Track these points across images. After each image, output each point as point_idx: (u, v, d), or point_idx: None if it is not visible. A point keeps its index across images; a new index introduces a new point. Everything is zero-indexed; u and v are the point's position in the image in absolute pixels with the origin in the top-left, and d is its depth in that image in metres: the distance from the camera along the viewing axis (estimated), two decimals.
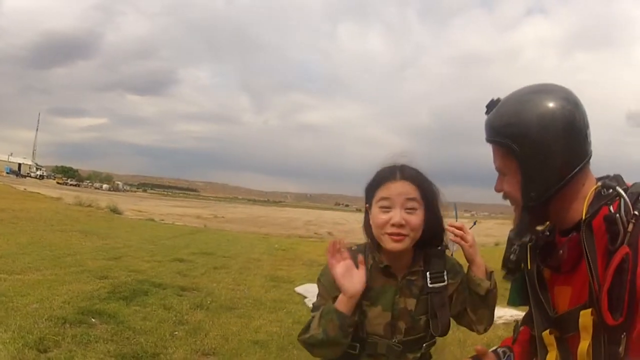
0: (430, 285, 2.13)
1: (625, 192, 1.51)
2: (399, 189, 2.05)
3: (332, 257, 2.02)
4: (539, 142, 1.58)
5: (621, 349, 1.42)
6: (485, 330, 2.20)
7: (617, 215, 1.46)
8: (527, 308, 1.85)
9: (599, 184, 1.58)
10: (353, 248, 2.18)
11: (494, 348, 2.03)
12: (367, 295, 2.08)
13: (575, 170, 1.59)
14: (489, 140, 1.73)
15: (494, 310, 2.18)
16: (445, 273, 2.16)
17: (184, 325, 7.06)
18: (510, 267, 1.70)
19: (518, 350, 1.98)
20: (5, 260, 10.44)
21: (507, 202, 1.77)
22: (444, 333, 2.15)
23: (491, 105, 1.74)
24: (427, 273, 2.14)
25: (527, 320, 1.85)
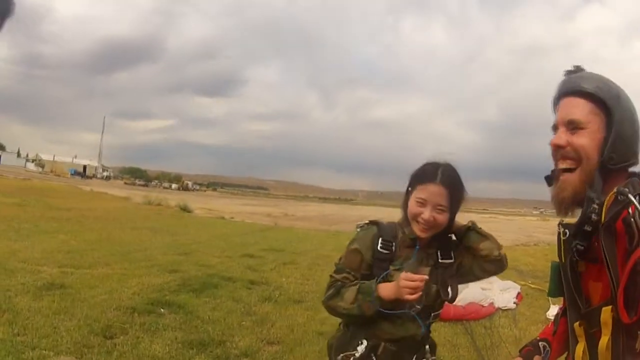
0: (440, 261, 2.61)
1: None
2: (435, 191, 2.49)
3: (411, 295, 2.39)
4: (631, 117, 1.70)
5: (637, 344, 1.52)
6: (501, 255, 2.61)
7: (632, 219, 1.54)
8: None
9: (615, 190, 1.60)
10: (386, 222, 2.66)
11: (533, 340, 2.15)
12: (395, 261, 2.55)
13: (636, 162, 1.71)
14: (576, 92, 1.75)
15: (493, 239, 2.63)
16: (452, 252, 2.63)
17: (251, 316, 7.29)
18: (589, 229, 1.67)
19: (556, 342, 2.09)
20: (72, 255, 10.90)
21: None
22: (453, 299, 2.62)
23: (576, 69, 1.82)
24: (438, 251, 2.61)
25: (565, 311, 1.94)
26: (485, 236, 2.61)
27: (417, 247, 2.56)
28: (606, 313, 1.58)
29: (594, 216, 1.64)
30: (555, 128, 1.80)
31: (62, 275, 8.80)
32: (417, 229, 2.52)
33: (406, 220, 2.60)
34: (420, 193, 2.51)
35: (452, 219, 2.57)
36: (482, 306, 8.26)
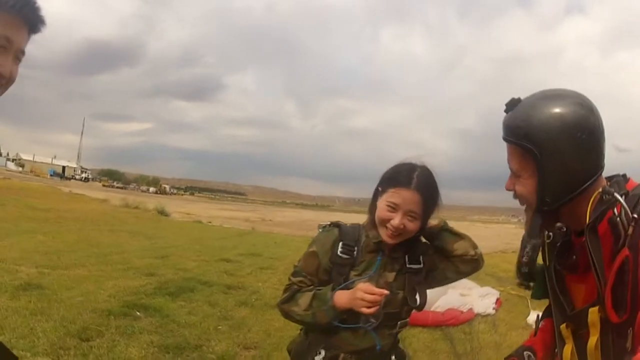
0: (408, 266, 2.45)
1: (626, 196, 1.57)
2: (409, 198, 2.30)
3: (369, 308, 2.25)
4: (560, 150, 1.62)
5: (628, 343, 1.49)
6: (478, 255, 2.47)
7: (618, 219, 1.54)
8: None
9: (600, 190, 1.62)
10: (349, 225, 2.51)
11: (518, 349, 2.10)
12: (357, 267, 2.40)
13: (592, 180, 1.64)
14: (507, 139, 1.75)
15: (468, 237, 2.49)
16: (421, 257, 2.48)
17: (228, 320, 7.23)
18: (524, 270, 1.81)
19: (539, 343, 2.07)
20: (50, 256, 10.81)
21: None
22: (421, 306, 2.42)
23: (511, 105, 1.76)
24: (406, 256, 2.46)
25: (548, 313, 1.95)
26: (459, 235, 2.47)
27: (380, 257, 2.42)
28: (593, 314, 1.58)
29: (524, 259, 1.80)
30: None
31: (40, 276, 8.70)
32: (385, 235, 2.35)
33: (372, 223, 2.43)
34: (392, 197, 2.32)
35: (423, 226, 2.41)
36: (462, 312, 8.29)
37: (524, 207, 1.84)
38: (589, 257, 1.57)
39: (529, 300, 8.97)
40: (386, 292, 2.25)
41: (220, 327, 6.85)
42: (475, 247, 2.46)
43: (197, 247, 16.38)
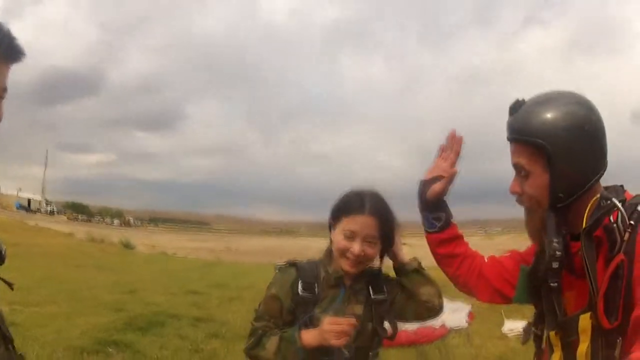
0: (373, 297, 2.40)
1: (624, 203, 1.61)
2: (364, 223, 2.30)
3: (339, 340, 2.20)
4: (571, 144, 1.65)
5: (616, 352, 1.53)
6: (440, 305, 2.44)
7: (615, 225, 1.59)
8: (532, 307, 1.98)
9: (598, 195, 1.65)
10: (304, 262, 2.47)
11: None
12: (320, 304, 2.35)
13: (599, 175, 1.70)
14: (516, 139, 1.78)
15: (437, 286, 2.42)
16: (384, 286, 2.43)
17: (199, 353, 7.30)
18: (557, 266, 1.70)
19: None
20: (21, 292, 10.63)
21: (521, 212, 1.87)
22: (393, 336, 2.44)
23: (517, 106, 1.78)
24: (370, 287, 2.41)
25: (538, 320, 1.94)
26: (429, 281, 2.40)
27: (343, 290, 2.38)
28: (585, 320, 1.60)
29: (558, 253, 1.67)
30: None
31: (12, 313, 8.58)
32: (346, 265, 2.32)
33: (329, 257, 2.43)
34: (348, 226, 2.30)
35: (383, 250, 2.40)
36: (434, 328, 8.11)
37: (519, 211, 1.86)
38: (583, 262, 1.59)
39: (502, 310, 8.83)
40: (353, 320, 2.22)
41: None
42: (440, 296, 2.42)
43: (164, 280, 16.34)
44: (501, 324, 8.65)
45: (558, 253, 1.67)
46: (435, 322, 8.30)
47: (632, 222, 1.58)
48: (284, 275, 2.42)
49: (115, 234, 45.34)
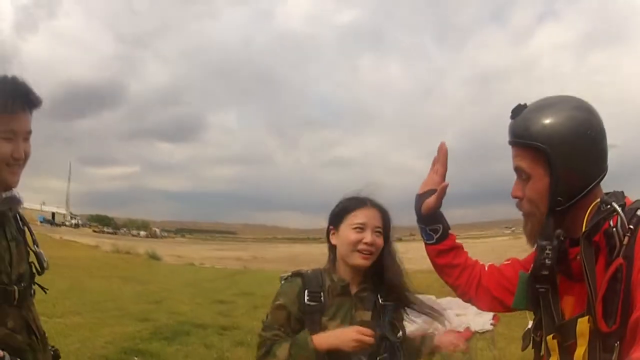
0: (381, 302, 2.46)
1: (624, 208, 1.61)
2: (370, 214, 2.42)
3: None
4: (571, 148, 1.68)
5: (614, 357, 1.53)
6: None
7: (614, 229, 1.58)
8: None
9: (598, 199, 1.66)
10: (309, 271, 2.51)
11: None
12: (327, 312, 2.39)
13: (599, 179, 1.71)
14: (517, 142, 1.80)
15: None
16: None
17: None
18: (545, 273, 1.74)
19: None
20: (45, 304, 10.72)
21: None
22: (403, 340, 2.47)
23: (518, 110, 1.82)
24: (378, 294, 2.48)
25: (537, 326, 1.93)
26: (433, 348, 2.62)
27: (350, 298, 2.44)
28: (583, 324, 1.60)
29: (547, 261, 1.71)
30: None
31: None
32: (359, 259, 2.38)
33: (333, 266, 2.50)
34: (355, 219, 2.41)
35: (387, 244, 2.48)
36: (459, 332, 8.19)
37: (522, 215, 1.88)
38: (582, 267, 1.60)
39: (527, 313, 8.81)
40: (372, 333, 2.25)
41: None
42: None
43: (190, 289, 16.40)
44: (525, 325, 8.52)
45: (548, 262, 1.71)
46: (460, 326, 8.29)
47: (631, 226, 1.57)
48: (291, 285, 2.45)
49: (141, 245, 45.58)
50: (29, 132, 2.16)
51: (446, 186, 2.19)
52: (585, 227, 1.62)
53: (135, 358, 7.04)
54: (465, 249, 2.33)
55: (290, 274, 2.52)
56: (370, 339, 2.23)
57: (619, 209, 1.59)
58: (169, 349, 7.84)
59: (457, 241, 2.31)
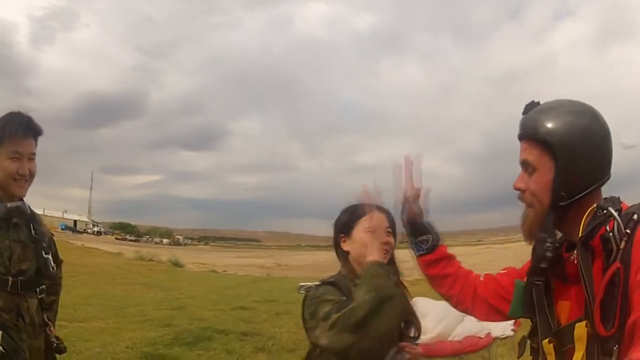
0: None
1: (620, 212, 1.63)
2: (380, 217, 2.38)
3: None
4: (578, 146, 1.72)
5: (613, 359, 1.53)
6: None
7: (611, 234, 1.60)
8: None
9: (595, 205, 1.67)
10: (331, 280, 2.42)
11: None
12: None
13: (602, 182, 1.75)
14: (527, 136, 1.83)
15: None
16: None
17: None
18: (545, 266, 1.77)
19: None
20: (67, 310, 10.89)
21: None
22: (418, 337, 2.44)
23: (530, 106, 1.87)
24: None
25: (533, 333, 1.94)
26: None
27: None
28: (580, 329, 1.63)
29: (548, 253, 1.74)
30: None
31: (56, 329, 8.80)
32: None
33: (351, 271, 2.43)
34: (367, 223, 2.36)
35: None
36: (480, 338, 8.07)
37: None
38: (579, 271, 1.62)
39: None
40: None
41: None
42: None
43: (213, 296, 16.54)
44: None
45: (548, 254, 1.74)
46: (480, 331, 8.24)
47: (628, 230, 1.59)
48: (325, 288, 2.35)
49: (164, 252, 45.90)
50: (33, 154, 2.80)
51: (416, 193, 2.26)
52: (582, 232, 1.65)
53: None
54: (458, 259, 2.34)
55: (314, 283, 2.47)
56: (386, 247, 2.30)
57: (615, 214, 1.62)
58: (190, 354, 7.92)
59: (449, 251, 2.32)
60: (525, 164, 1.85)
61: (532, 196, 1.83)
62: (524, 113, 1.88)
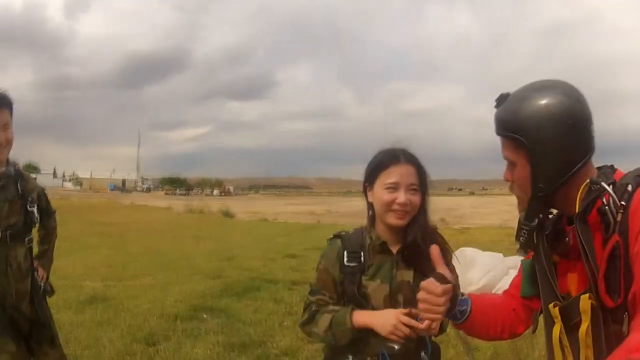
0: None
1: (614, 184, 1.66)
2: (404, 171, 2.34)
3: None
4: (548, 137, 1.73)
5: (624, 327, 1.57)
6: None
7: (607, 207, 1.63)
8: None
9: (588, 180, 1.70)
10: (352, 231, 2.51)
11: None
12: (367, 271, 2.37)
13: (579, 165, 1.73)
14: (499, 134, 1.87)
15: None
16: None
17: (292, 316, 7.41)
18: (519, 247, 1.92)
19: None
20: (115, 268, 11.36)
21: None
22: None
23: (500, 100, 1.88)
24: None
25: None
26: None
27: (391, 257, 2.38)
28: (584, 301, 1.66)
29: (521, 239, 1.86)
30: None
31: (105, 289, 9.19)
32: (394, 218, 2.32)
33: (371, 224, 2.46)
34: (388, 178, 2.33)
35: (423, 200, 2.38)
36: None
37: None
38: (580, 246, 1.66)
39: None
40: (422, 327, 2.06)
41: (285, 322, 7.09)
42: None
43: (263, 245, 16.79)
44: None
45: (522, 239, 1.86)
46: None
47: (623, 202, 1.62)
48: (331, 248, 2.47)
49: (214, 203, 46.48)
50: (6, 124, 3.30)
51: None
52: (579, 208, 1.68)
53: (205, 315, 7.29)
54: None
55: (332, 236, 2.53)
56: (406, 330, 2.12)
57: (608, 188, 1.64)
58: (238, 304, 8.12)
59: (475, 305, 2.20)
60: (506, 159, 1.89)
61: (518, 188, 1.89)
62: (495, 107, 1.90)
